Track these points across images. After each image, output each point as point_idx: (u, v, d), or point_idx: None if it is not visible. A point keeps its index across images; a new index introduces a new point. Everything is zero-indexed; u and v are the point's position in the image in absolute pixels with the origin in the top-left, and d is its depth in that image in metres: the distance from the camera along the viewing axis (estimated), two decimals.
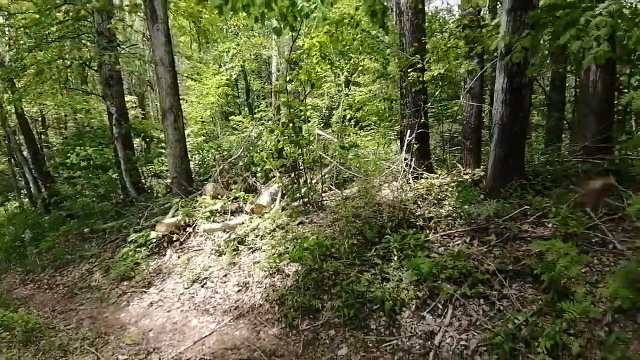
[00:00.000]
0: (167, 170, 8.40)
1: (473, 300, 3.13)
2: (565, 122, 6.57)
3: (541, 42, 3.95)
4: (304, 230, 4.64)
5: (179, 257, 5.36)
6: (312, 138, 7.15)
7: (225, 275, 4.52)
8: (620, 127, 5.68)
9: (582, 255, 3.03)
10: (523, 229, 3.59)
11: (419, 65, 5.24)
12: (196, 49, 13.52)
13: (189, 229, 5.71)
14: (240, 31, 12.04)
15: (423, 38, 5.61)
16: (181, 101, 8.52)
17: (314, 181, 5.90)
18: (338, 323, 3.31)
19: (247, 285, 4.26)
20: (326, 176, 6.12)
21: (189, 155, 8.32)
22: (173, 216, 6.08)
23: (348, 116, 8.90)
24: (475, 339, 2.81)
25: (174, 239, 5.68)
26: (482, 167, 5.18)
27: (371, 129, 9.23)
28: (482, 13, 7.11)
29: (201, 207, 5.92)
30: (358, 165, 6.96)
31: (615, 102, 5.38)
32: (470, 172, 4.92)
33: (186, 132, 9.34)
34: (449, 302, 3.17)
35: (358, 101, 9.92)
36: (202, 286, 4.50)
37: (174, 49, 10.08)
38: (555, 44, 3.19)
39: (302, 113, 5.17)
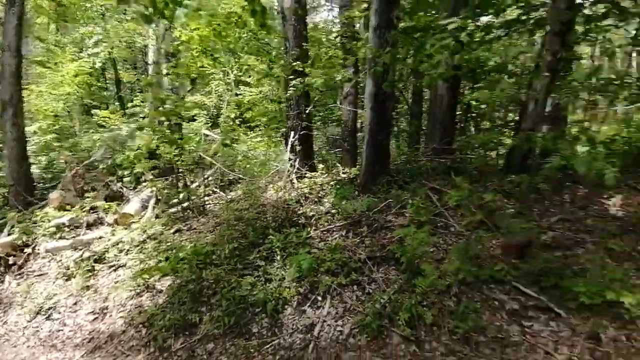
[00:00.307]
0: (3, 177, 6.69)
1: (348, 288, 3.38)
2: (422, 129, 7.83)
3: (406, 59, 4.57)
4: (181, 239, 4.29)
5: (18, 284, 4.33)
6: (198, 138, 6.71)
7: (76, 303, 3.85)
8: (463, 132, 6.94)
9: (430, 237, 3.59)
10: (388, 220, 4.06)
11: (301, 70, 5.46)
12: (53, 31, 11.17)
13: (28, 249, 4.65)
14: (109, 13, 10.45)
15: (305, 45, 5.87)
16: (27, 91, 6.93)
17: (194, 184, 5.52)
18: (217, 334, 3.14)
19: (106, 311, 3.72)
20: (210, 178, 5.81)
21: (35, 158, 6.80)
22: (9, 234, 4.87)
23: (233, 115, 8.67)
24: (349, 323, 3.04)
25: (11, 262, 4.56)
26: (358, 166, 5.69)
27: (260, 130, 9.20)
28: (357, 27, 7.87)
29: (43, 221, 4.89)
30: (248, 166, 6.82)
31: (460, 112, 6.59)
32: (348, 171, 5.35)
33: (32, 128, 7.60)
34: (327, 293, 3.35)
35: (248, 101, 9.77)
36: (47, 318, 3.74)
37: (28, 29, 8.18)
38: (410, 65, 3.72)
39: (180, 109, 4.78)
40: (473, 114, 6.36)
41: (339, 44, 7.12)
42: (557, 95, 4.16)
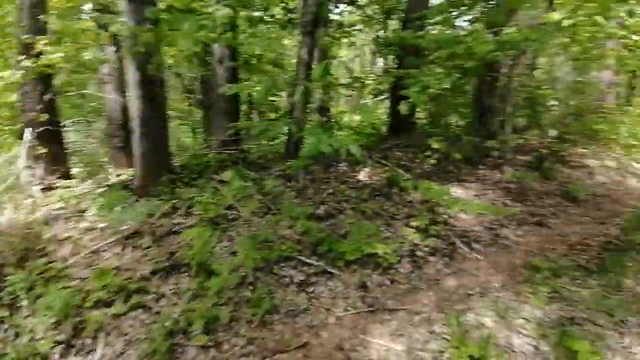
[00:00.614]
0: None
1: (129, 316, 2.82)
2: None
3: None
4: None
5: None
6: None
7: None
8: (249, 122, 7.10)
9: (222, 233, 3.48)
10: (175, 223, 3.64)
11: (37, 49, 4.06)
12: None
13: None
14: None
15: (42, 15, 4.39)
16: None
17: None
18: None
19: None
20: None
21: None
22: None
23: None
24: (133, 358, 2.53)
25: None
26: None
27: None
28: None
29: None
30: None
31: (246, 103, 6.68)
32: (121, 173, 4.47)
33: None
34: (100, 330, 2.67)
35: None
36: None
37: None
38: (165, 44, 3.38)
39: None
40: (257, 104, 6.64)
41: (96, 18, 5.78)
42: (316, 87, 4.85)
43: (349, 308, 3.03)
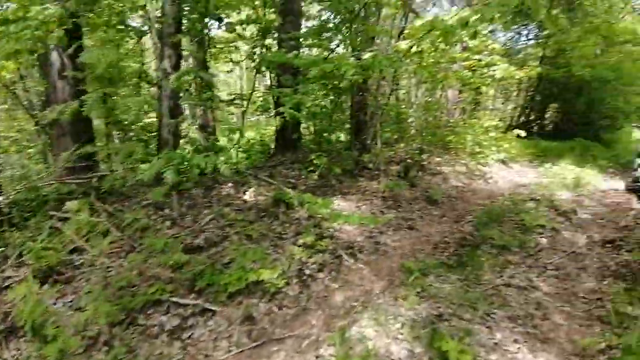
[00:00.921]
0: None
1: None
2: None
3: None
4: None
5: None
6: None
7: None
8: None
9: (65, 284, 2.78)
10: (6, 276, 2.77)
11: None
12: None
13: None
14: None
15: None
16: None
17: None
18: None
19: None
20: None
21: None
22: None
23: None
24: None
25: None
26: None
27: None
28: None
29: None
30: None
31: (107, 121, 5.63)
32: None
33: None
34: None
35: None
36: None
37: None
38: None
39: None
40: (122, 122, 5.74)
41: None
42: (193, 102, 4.45)
43: (232, 348, 2.72)
